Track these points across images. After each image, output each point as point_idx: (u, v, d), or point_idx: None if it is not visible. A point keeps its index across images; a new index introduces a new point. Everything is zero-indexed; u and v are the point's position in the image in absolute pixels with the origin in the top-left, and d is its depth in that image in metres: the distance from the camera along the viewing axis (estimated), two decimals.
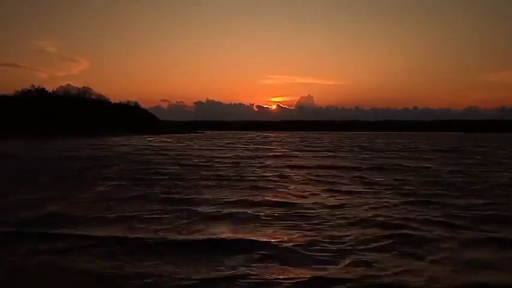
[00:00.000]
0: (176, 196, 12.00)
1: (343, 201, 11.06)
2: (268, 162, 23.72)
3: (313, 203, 10.77)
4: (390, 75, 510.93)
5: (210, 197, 11.81)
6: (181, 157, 27.54)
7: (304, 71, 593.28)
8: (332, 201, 11.19)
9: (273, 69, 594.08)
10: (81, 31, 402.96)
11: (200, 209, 9.94)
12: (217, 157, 27.14)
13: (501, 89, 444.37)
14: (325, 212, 9.71)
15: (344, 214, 9.46)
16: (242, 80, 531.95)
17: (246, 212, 9.67)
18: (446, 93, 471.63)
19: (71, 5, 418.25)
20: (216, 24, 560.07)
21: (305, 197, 11.88)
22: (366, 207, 10.36)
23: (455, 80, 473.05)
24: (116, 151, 32.86)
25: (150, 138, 65.79)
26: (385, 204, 10.81)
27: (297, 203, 10.83)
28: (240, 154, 31.05)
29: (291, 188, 13.83)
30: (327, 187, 13.78)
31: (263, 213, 9.52)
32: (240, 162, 23.00)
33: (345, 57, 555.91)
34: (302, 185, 14.39)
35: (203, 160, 24.89)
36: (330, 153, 32.81)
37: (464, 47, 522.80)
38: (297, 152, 34.23)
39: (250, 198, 11.62)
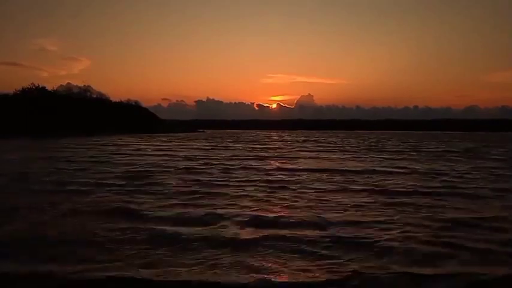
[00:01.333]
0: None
1: None
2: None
3: None
4: (390, 74, 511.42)
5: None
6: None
7: (304, 70, 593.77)
8: None
9: (274, 68, 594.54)
10: (82, 30, 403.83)
11: None
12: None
13: (501, 88, 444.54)
14: None
15: None
16: (243, 79, 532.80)
17: None
18: (446, 92, 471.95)
19: (72, 5, 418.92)
20: (217, 23, 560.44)
21: None
22: None
23: (455, 80, 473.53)
24: (100, 151, 33.04)
25: (146, 138, 66.08)
26: None
27: None
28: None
29: None
30: None
31: None
32: None
33: (345, 56, 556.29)
34: None
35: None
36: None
37: (465, 47, 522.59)
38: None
39: None
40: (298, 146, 45.85)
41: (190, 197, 12.40)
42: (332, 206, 11.17)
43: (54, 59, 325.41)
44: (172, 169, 19.96)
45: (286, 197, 12.57)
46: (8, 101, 75.01)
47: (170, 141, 54.89)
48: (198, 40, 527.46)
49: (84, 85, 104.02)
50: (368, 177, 17.60)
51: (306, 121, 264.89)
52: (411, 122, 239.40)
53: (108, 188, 13.84)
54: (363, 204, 11.52)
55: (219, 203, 11.47)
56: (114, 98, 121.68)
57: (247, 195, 12.71)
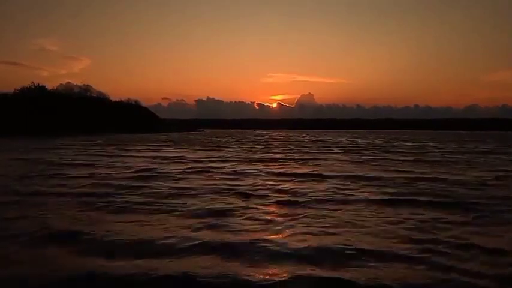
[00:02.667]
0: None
1: None
2: None
3: None
4: (391, 73, 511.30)
5: None
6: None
7: (305, 69, 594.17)
8: None
9: (274, 68, 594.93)
10: (82, 30, 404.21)
11: None
12: None
13: (502, 88, 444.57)
14: None
15: None
16: (243, 78, 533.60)
17: None
18: (447, 92, 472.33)
19: (72, 5, 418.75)
20: (217, 23, 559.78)
21: None
22: None
23: (456, 79, 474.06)
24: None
25: (144, 137, 65.82)
26: None
27: None
28: None
29: None
30: None
31: None
32: None
33: (345, 55, 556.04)
34: None
35: None
36: None
37: (465, 47, 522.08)
38: None
39: None
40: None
41: None
42: None
43: (55, 59, 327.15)
44: None
45: None
46: (8, 101, 74.66)
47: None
48: (198, 40, 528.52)
49: (84, 84, 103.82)
50: None
51: (307, 120, 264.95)
52: (412, 121, 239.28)
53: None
54: None
55: None
56: (114, 97, 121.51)
57: None
